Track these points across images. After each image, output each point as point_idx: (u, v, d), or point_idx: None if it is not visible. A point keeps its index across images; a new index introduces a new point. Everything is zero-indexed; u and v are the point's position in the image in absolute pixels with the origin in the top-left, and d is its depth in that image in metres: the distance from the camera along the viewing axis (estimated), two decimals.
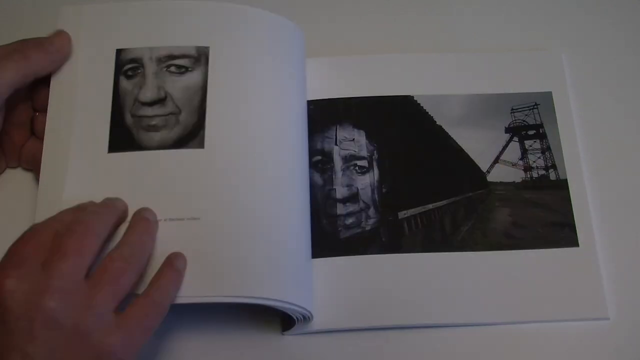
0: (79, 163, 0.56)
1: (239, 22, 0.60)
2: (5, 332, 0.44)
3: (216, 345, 0.56)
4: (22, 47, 0.57)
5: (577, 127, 0.65)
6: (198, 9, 0.60)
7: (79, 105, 0.57)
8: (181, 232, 0.53)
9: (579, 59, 0.68)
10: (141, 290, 0.50)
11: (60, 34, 0.59)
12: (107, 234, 0.51)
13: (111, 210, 0.52)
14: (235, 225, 0.54)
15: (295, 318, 0.55)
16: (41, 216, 0.53)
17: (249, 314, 0.57)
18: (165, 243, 0.53)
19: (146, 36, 0.59)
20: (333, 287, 0.58)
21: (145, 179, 0.55)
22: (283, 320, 0.57)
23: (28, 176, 0.61)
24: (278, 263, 0.54)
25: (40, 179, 0.56)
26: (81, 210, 0.51)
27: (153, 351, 0.56)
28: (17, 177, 0.61)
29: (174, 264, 0.52)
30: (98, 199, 0.54)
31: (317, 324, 0.56)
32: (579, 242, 0.60)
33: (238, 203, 0.55)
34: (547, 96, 0.66)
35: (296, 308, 0.53)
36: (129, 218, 0.53)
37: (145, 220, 0.52)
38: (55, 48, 0.58)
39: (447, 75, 0.66)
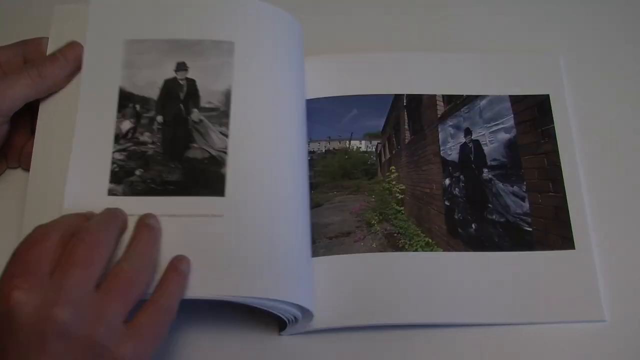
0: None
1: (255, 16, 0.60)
2: (16, 345, 0.43)
3: (214, 345, 0.57)
4: (38, 63, 0.57)
5: (574, 129, 0.64)
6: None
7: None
8: (186, 230, 0.53)
9: (577, 62, 0.68)
10: (147, 295, 0.50)
11: (73, 46, 0.59)
12: (115, 244, 0.50)
13: (115, 220, 0.51)
14: (240, 225, 0.54)
15: (286, 319, 0.55)
16: (30, 213, 0.54)
17: (247, 314, 0.57)
18: (170, 241, 0.53)
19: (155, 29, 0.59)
20: (331, 286, 0.58)
21: None
22: (280, 320, 0.57)
23: (28, 177, 0.61)
24: (279, 263, 0.54)
25: (29, 178, 0.56)
26: (86, 219, 0.50)
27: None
28: (17, 177, 0.62)
29: (178, 267, 0.51)
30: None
31: (312, 323, 0.56)
32: (576, 244, 0.60)
33: (241, 203, 0.55)
34: (545, 99, 0.65)
35: (291, 308, 0.54)
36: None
37: (149, 228, 0.52)
38: (68, 62, 0.58)
39: (443, 74, 0.66)
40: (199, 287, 0.51)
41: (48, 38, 0.60)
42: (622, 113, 0.67)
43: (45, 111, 0.58)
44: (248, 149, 0.56)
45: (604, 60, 0.69)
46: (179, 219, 0.53)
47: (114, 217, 0.52)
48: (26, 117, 0.60)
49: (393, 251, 0.59)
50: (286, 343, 0.57)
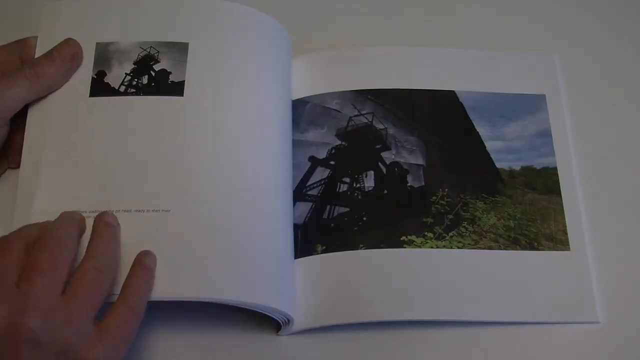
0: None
1: (219, 18, 0.60)
2: None
3: (211, 345, 0.57)
4: (34, 63, 0.57)
5: (569, 129, 0.64)
6: (181, 3, 0.61)
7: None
8: (154, 226, 0.54)
9: (572, 61, 0.69)
10: (115, 292, 0.50)
11: (69, 43, 0.59)
12: (76, 245, 0.50)
13: (73, 222, 0.52)
14: (213, 224, 0.54)
15: (279, 321, 0.56)
16: (21, 208, 0.56)
17: (245, 314, 0.57)
18: (141, 236, 0.53)
19: (126, 30, 0.60)
20: (322, 284, 0.58)
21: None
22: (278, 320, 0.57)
23: None
24: (257, 265, 0.54)
25: (20, 175, 0.57)
26: (44, 226, 0.50)
27: (149, 352, 0.57)
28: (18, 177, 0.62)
29: (145, 263, 0.51)
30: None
31: (309, 322, 0.57)
32: (570, 245, 0.60)
33: (217, 202, 0.55)
34: (541, 99, 0.65)
35: (275, 312, 0.54)
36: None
37: (109, 226, 0.52)
38: (64, 60, 0.58)
39: (436, 71, 0.67)
40: (172, 288, 0.52)
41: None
42: (618, 112, 0.67)
43: (34, 109, 0.58)
44: (225, 147, 0.57)
45: (599, 60, 0.70)
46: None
47: (72, 219, 0.52)
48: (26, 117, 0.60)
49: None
50: (284, 343, 0.58)
